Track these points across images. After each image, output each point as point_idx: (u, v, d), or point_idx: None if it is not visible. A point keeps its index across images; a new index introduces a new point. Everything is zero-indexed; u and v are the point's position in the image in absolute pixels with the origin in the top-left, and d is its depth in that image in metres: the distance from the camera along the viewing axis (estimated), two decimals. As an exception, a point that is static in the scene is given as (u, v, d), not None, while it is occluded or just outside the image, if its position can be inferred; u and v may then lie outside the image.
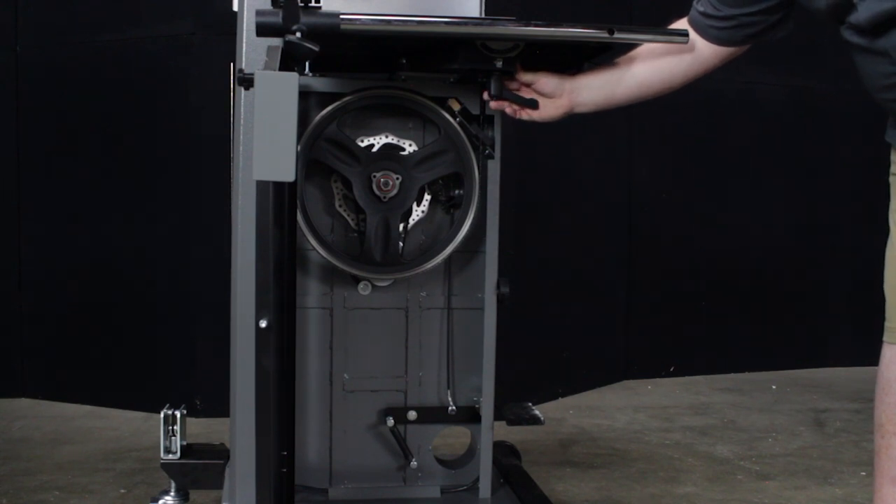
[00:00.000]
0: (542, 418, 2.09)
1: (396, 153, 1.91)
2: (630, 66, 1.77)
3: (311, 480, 1.97)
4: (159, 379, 3.41)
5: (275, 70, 1.37)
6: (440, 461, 2.04)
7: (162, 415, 2.13)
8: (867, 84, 1.57)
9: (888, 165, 1.66)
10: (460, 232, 1.90)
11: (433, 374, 2.01)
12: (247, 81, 1.55)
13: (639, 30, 1.72)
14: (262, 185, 1.55)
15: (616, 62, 1.79)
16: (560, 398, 3.71)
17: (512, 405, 2.15)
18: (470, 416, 2.00)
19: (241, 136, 1.84)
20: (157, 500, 2.19)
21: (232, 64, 1.96)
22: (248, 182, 1.80)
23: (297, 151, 1.38)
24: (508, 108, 1.77)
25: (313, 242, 1.86)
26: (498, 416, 2.00)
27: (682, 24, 1.75)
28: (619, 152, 4.03)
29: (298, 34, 1.45)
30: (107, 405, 3.45)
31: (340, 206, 1.93)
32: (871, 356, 1.79)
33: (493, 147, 1.87)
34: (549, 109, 1.78)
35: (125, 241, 3.45)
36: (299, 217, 1.82)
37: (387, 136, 1.93)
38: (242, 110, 1.83)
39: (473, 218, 1.90)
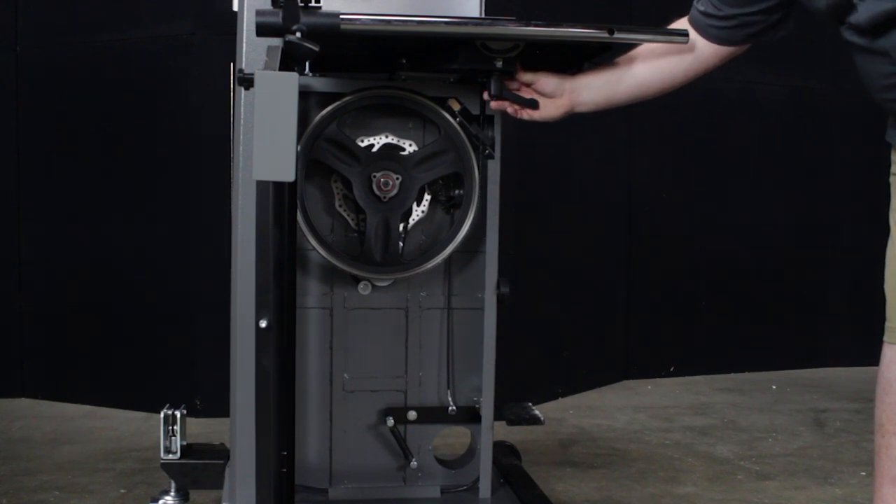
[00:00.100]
0: (542, 418, 2.09)
1: (396, 153, 1.91)
2: (630, 67, 1.77)
3: (311, 480, 1.97)
4: (159, 379, 3.41)
5: (275, 70, 1.37)
6: (440, 461, 2.04)
7: (162, 415, 2.12)
8: (867, 84, 1.57)
9: (888, 165, 1.66)
10: (460, 232, 1.90)
11: (433, 374, 2.01)
12: (247, 81, 1.55)
13: (639, 30, 1.72)
14: (262, 185, 1.55)
15: (616, 62, 1.79)
16: (560, 398, 3.71)
17: (512, 405, 2.15)
18: (470, 416, 2.00)
19: (241, 136, 1.84)
20: (157, 500, 2.19)
21: (232, 64, 1.96)
22: (248, 182, 1.80)
23: (297, 151, 1.38)
24: (510, 108, 1.77)
25: (313, 242, 1.86)
26: (498, 416, 2.00)
27: (682, 23, 1.75)
28: (619, 152, 4.03)
29: (298, 34, 1.45)
30: (107, 405, 3.45)
31: (340, 206, 1.93)
32: (871, 356, 1.80)
33: (493, 147, 1.87)
34: (549, 109, 1.78)
35: (125, 241, 3.45)
36: (299, 217, 1.82)
37: (387, 136, 1.93)
38: (242, 110, 1.83)
39: (473, 218, 1.90)
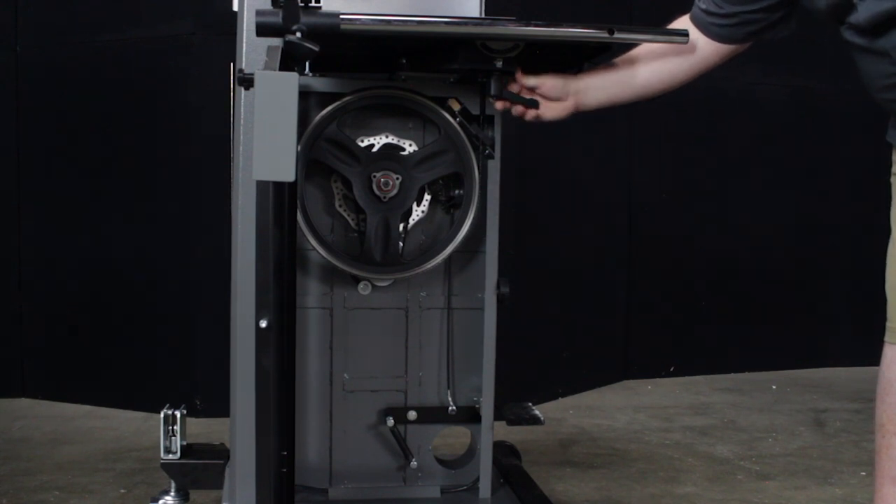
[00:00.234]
0: (542, 418, 2.09)
1: (396, 153, 1.91)
2: (633, 68, 1.78)
3: (311, 480, 1.97)
4: (159, 379, 3.41)
5: (275, 70, 1.37)
6: (440, 461, 2.04)
7: (162, 415, 2.12)
8: (867, 84, 1.57)
9: (889, 165, 1.66)
10: (460, 232, 1.90)
11: (433, 374, 2.01)
12: (247, 81, 1.55)
13: (639, 30, 1.72)
14: (262, 185, 1.55)
15: (618, 62, 1.79)
16: (560, 398, 3.71)
17: (512, 405, 2.15)
18: (470, 416, 2.00)
19: (241, 136, 1.84)
20: (157, 500, 2.19)
21: (232, 64, 1.96)
22: (248, 182, 1.80)
23: (297, 151, 1.38)
24: (519, 110, 1.78)
25: (313, 242, 1.86)
26: (498, 416, 2.00)
27: (683, 20, 1.76)
28: (619, 152, 4.03)
29: (298, 34, 1.45)
30: (107, 405, 3.45)
31: (340, 206, 1.93)
32: (871, 356, 1.80)
33: (493, 147, 1.87)
34: (554, 111, 1.79)
35: (125, 241, 3.45)
36: (299, 217, 1.82)
37: (387, 136, 1.93)
38: (242, 110, 1.83)
39: (473, 218, 1.90)
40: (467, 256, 1.99)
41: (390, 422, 1.97)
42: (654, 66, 1.77)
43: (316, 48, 1.45)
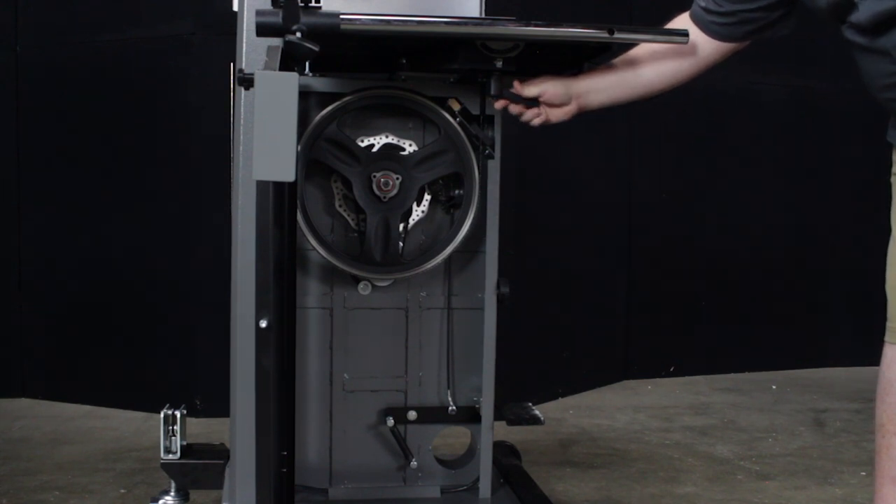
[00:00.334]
0: (542, 418, 2.09)
1: (396, 153, 1.91)
2: (635, 68, 1.78)
3: (311, 480, 1.97)
4: (159, 379, 3.41)
5: (275, 70, 1.37)
6: (440, 461, 2.04)
7: (162, 415, 2.12)
8: (868, 83, 1.57)
9: (889, 165, 1.66)
10: (460, 232, 1.90)
11: (433, 374, 2.01)
12: (247, 81, 1.55)
13: (639, 30, 1.72)
14: (262, 185, 1.55)
15: (619, 63, 1.79)
16: (560, 398, 3.71)
17: (512, 405, 2.15)
18: (470, 416, 2.00)
19: (241, 136, 1.84)
20: (157, 500, 2.19)
21: (232, 64, 1.96)
22: (248, 182, 1.80)
23: (297, 151, 1.38)
24: (518, 109, 1.78)
25: (313, 242, 1.86)
26: (498, 416, 2.00)
27: (683, 19, 1.76)
28: (619, 152, 4.03)
29: (298, 34, 1.45)
30: (107, 405, 3.45)
31: (340, 206, 1.93)
32: (871, 356, 1.79)
33: (493, 147, 1.87)
34: (558, 114, 1.80)
35: (125, 241, 3.45)
36: (299, 217, 1.82)
37: (387, 136, 1.93)
38: (242, 110, 1.83)
39: (473, 218, 1.90)
40: (467, 256, 1.99)
41: (390, 422, 1.97)
42: (654, 65, 1.77)
43: (316, 48, 1.45)
